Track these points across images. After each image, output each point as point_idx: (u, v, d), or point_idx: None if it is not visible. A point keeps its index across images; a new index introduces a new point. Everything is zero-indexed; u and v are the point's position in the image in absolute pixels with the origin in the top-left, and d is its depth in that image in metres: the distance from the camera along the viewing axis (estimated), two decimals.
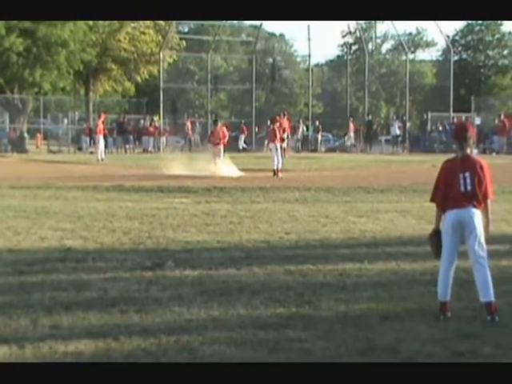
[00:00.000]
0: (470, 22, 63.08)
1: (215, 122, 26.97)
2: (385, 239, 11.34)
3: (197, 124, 48.15)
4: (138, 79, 53.99)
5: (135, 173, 24.17)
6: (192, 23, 68.35)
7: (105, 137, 35.85)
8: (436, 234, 7.09)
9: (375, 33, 70.53)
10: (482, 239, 6.90)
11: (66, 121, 47.89)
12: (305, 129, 48.53)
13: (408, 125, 47.83)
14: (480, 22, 62.80)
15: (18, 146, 41.56)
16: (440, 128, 44.69)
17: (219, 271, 8.92)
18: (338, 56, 70.68)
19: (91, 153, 39.00)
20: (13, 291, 7.89)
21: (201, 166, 23.03)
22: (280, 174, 22.82)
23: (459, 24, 68.08)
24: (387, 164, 30.31)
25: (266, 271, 8.94)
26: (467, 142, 7.06)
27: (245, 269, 9.04)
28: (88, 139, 43.51)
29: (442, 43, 65.58)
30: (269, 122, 28.39)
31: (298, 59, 78.73)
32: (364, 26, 63.59)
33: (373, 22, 63.05)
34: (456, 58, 59.33)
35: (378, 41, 72.43)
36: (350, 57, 61.58)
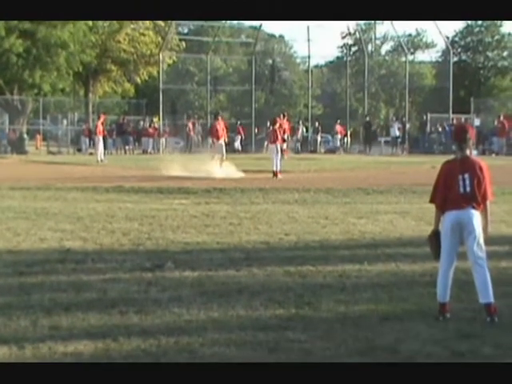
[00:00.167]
0: (469, 23, 63.11)
1: (215, 117, 26.89)
2: (384, 240, 11.33)
3: (197, 125, 48.13)
4: (138, 80, 53.94)
5: (135, 174, 24.17)
6: (191, 24, 68.43)
7: (104, 138, 35.86)
8: (435, 235, 7.09)
9: (375, 34, 70.57)
10: (481, 240, 6.90)
11: (65, 122, 47.94)
12: (304, 130, 48.60)
13: (407, 126, 47.90)
14: (480, 23, 62.83)
15: (18, 147, 41.57)
16: (439, 129, 44.72)
17: (219, 272, 8.91)
18: (338, 57, 70.75)
19: (91, 154, 39.02)
20: (12, 292, 7.89)
21: (200, 167, 23.00)
22: (279, 175, 22.83)
23: (459, 25, 68.31)
24: (387, 165, 30.28)
25: (265, 272, 8.93)
26: (467, 144, 7.06)
27: (244, 270, 9.04)
28: (87, 140, 43.57)
29: (441, 44, 65.81)
30: (268, 123, 28.41)
31: (298, 60, 78.89)
32: (363, 27, 63.72)
33: (372, 23, 63.09)
34: (455, 59, 59.33)
35: (378, 42, 72.50)
36: (349, 58, 61.59)
